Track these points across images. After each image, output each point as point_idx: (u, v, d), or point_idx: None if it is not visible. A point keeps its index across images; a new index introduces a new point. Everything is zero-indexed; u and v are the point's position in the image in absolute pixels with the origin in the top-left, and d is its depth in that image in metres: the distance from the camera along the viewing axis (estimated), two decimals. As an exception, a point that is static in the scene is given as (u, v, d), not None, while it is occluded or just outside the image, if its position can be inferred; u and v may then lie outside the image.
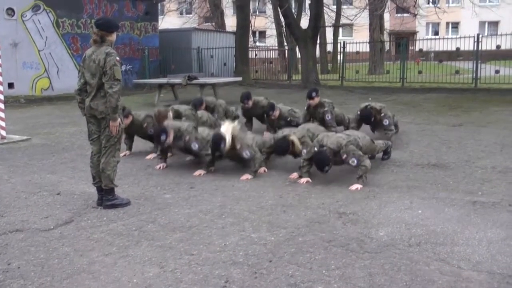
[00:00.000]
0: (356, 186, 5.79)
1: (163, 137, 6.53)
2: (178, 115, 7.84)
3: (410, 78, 18.37)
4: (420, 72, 18.62)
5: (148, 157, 7.61)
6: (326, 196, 5.56)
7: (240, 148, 6.42)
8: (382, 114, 7.99)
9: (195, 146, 6.60)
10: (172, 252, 4.08)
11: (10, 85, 16.36)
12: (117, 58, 5.05)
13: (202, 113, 8.37)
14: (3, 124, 9.34)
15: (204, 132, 6.78)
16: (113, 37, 5.23)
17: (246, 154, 6.43)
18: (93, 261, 3.95)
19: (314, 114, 8.40)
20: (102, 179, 5.24)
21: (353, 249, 4.06)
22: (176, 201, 5.50)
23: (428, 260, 3.83)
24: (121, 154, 7.49)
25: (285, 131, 6.86)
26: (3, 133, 9.32)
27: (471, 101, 13.90)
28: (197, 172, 6.63)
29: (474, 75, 17.05)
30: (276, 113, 8.58)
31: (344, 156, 5.90)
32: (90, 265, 3.89)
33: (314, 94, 8.34)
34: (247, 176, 6.38)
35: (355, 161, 5.87)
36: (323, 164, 5.90)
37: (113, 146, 5.22)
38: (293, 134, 6.65)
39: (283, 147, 6.53)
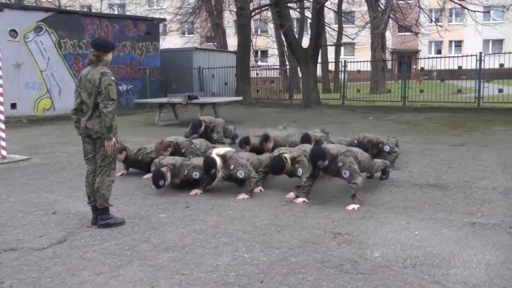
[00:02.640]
0: (353, 206, 5.73)
1: (161, 182, 6.53)
2: (177, 148, 7.81)
3: (412, 97, 18.39)
4: (421, 91, 18.63)
5: (145, 176, 7.59)
6: (322, 216, 5.50)
7: (234, 168, 6.42)
8: (380, 145, 7.91)
9: (196, 175, 6.62)
10: (164, 272, 4.04)
11: (13, 105, 16.55)
12: (112, 78, 5.07)
13: (200, 143, 8.31)
14: (3, 144, 9.39)
15: (200, 162, 6.76)
16: (109, 57, 5.26)
17: (240, 174, 6.41)
18: (84, 281, 3.92)
19: None
20: (97, 198, 5.23)
21: (346, 270, 4.00)
22: (171, 220, 5.46)
23: (423, 283, 3.76)
24: (119, 174, 7.54)
25: (281, 150, 6.84)
26: (4, 152, 9.36)
27: (473, 121, 13.85)
28: (194, 192, 6.61)
29: (477, 94, 17.03)
30: (270, 144, 8.47)
31: (340, 164, 5.86)
32: (81, 285, 3.86)
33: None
34: (243, 195, 6.35)
35: (347, 174, 5.83)
36: (319, 158, 5.85)
37: (108, 165, 5.21)
38: (289, 153, 6.62)
39: (278, 166, 6.49)
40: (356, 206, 5.74)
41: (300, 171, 6.44)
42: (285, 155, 6.55)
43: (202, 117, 10.47)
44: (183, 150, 7.77)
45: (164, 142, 7.65)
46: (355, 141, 8.00)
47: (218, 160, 6.39)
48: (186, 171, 6.64)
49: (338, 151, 5.97)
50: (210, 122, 9.79)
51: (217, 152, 6.54)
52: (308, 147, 7.25)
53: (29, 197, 6.62)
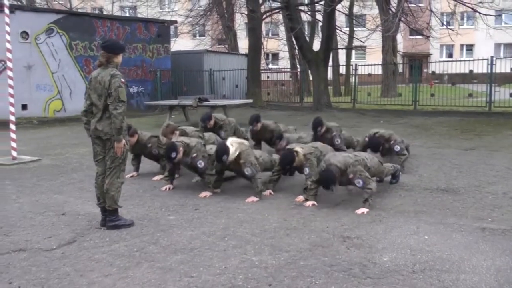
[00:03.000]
0: (362, 210, 5.71)
1: (173, 154, 6.56)
2: (184, 135, 7.84)
3: (422, 101, 18.27)
4: (432, 95, 18.53)
5: (155, 178, 7.61)
6: (331, 219, 5.49)
7: (243, 164, 6.40)
8: (392, 142, 7.87)
9: (201, 164, 6.61)
10: (172, 274, 4.04)
11: (24, 107, 16.66)
12: (122, 79, 5.09)
13: (209, 135, 8.37)
14: (14, 145, 9.44)
15: (212, 150, 6.77)
16: (119, 59, 5.27)
17: (247, 171, 6.39)
18: (92, 282, 3.93)
19: (321, 141, 8.28)
20: (106, 199, 5.24)
21: (355, 274, 3.98)
22: (180, 222, 5.46)
23: (432, 288, 3.74)
24: (129, 175, 7.57)
25: (292, 145, 6.84)
26: (14, 153, 9.41)
27: (484, 125, 13.76)
28: (203, 194, 6.61)
29: (488, 98, 16.91)
30: (283, 143, 8.47)
31: (351, 176, 5.85)
32: (90, 286, 3.87)
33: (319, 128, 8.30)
34: (252, 198, 6.34)
35: (361, 182, 5.81)
36: (329, 182, 5.83)
37: (117, 167, 5.23)
38: (301, 148, 6.61)
39: (288, 158, 6.47)
40: (365, 210, 5.72)
41: (306, 170, 6.42)
42: (297, 148, 6.55)
43: (214, 114, 10.47)
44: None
45: (171, 126, 7.76)
46: (366, 138, 7.97)
47: (232, 149, 6.37)
48: (195, 154, 6.63)
49: (346, 163, 5.92)
50: (221, 120, 9.77)
51: (232, 141, 6.53)
52: (319, 144, 7.23)
53: (39, 198, 6.66)
